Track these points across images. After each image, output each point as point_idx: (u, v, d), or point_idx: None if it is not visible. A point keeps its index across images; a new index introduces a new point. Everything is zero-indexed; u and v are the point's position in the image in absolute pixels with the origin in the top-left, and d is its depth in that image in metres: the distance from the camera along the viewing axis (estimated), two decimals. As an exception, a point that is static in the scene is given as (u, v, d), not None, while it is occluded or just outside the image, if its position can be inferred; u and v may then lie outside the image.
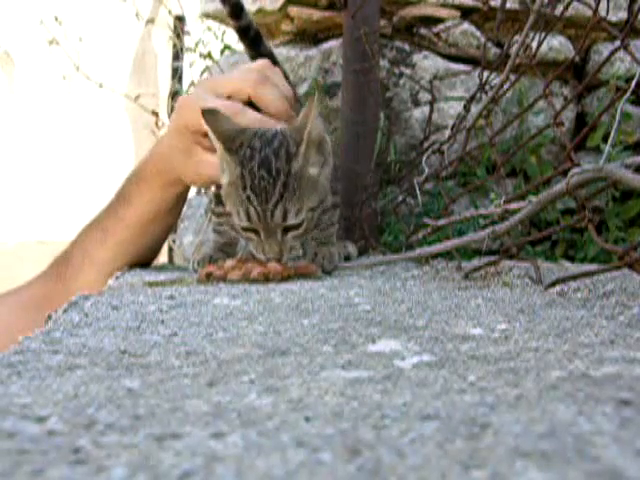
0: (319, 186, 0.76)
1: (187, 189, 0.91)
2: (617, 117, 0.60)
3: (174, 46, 2.91)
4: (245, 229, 0.76)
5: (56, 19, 2.16)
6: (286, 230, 0.74)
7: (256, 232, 0.75)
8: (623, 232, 1.41)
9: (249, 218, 0.74)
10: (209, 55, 2.13)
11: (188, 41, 2.42)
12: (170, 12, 2.39)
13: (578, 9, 1.51)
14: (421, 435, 0.25)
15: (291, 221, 0.73)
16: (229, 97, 0.81)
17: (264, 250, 0.75)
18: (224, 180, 0.77)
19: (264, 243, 0.75)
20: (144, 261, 0.94)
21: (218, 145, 0.76)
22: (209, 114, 0.76)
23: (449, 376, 0.33)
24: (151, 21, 2.70)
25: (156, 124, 2.24)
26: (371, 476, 0.21)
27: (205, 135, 0.79)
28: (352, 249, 1.08)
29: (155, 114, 2.20)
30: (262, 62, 0.87)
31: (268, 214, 0.73)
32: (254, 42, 1.00)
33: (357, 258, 1.09)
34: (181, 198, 0.91)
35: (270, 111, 0.81)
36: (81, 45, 2.21)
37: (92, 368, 0.35)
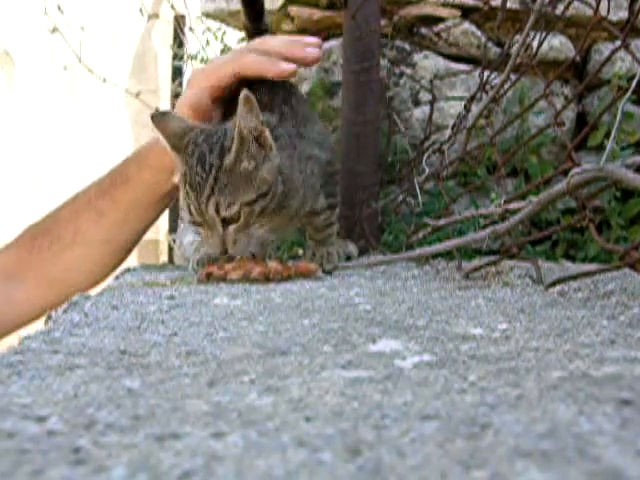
0: (257, 180, 0.76)
1: None
2: (618, 117, 0.60)
3: (175, 45, 2.91)
4: (194, 223, 0.78)
5: (59, 8, 2.15)
6: (225, 222, 0.75)
7: (202, 226, 0.77)
8: (624, 231, 1.41)
9: (191, 213, 0.76)
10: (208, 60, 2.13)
11: (190, 40, 2.41)
12: (173, 7, 2.38)
13: (579, 8, 1.51)
14: (421, 435, 0.25)
15: (223, 213, 0.74)
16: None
17: (208, 243, 0.77)
18: (176, 179, 0.79)
19: (207, 237, 0.77)
20: (131, 247, 0.94)
21: (166, 145, 0.78)
22: (157, 116, 0.79)
23: (449, 376, 0.33)
24: (155, 15, 2.69)
25: None
26: (371, 476, 0.21)
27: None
28: (353, 248, 1.08)
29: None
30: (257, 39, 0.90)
31: (203, 207, 0.74)
32: (258, 15, 1.02)
33: (357, 258, 1.09)
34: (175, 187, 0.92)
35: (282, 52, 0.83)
36: (81, 44, 2.20)
37: (92, 368, 0.35)
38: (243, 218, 0.75)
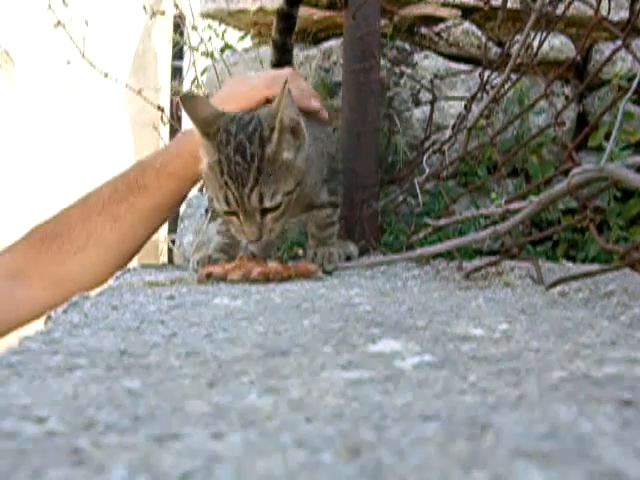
0: (294, 169, 0.77)
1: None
2: (619, 117, 0.60)
3: (176, 44, 2.90)
4: (227, 213, 0.78)
5: (63, 2, 2.14)
6: (264, 212, 0.76)
7: (237, 215, 0.77)
8: (625, 231, 1.41)
9: (228, 203, 0.76)
10: (210, 54, 2.12)
11: (191, 39, 2.41)
12: (176, 6, 2.38)
13: (579, 8, 1.51)
14: (422, 435, 0.25)
15: (267, 204, 0.75)
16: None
17: (245, 232, 0.77)
18: (203, 165, 0.79)
19: (243, 225, 0.77)
20: (140, 249, 0.96)
21: (196, 130, 0.78)
22: (187, 99, 0.79)
23: (450, 376, 0.33)
24: (161, 12, 2.69)
25: (161, 119, 2.23)
26: (372, 477, 0.21)
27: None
28: (353, 249, 1.08)
29: (161, 109, 2.18)
30: (288, 70, 0.95)
31: (245, 198, 0.74)
32: (289, 31, 1.04)
33: (357, 258, 1.09)
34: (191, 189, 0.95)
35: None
36: (81, 44, 2.20)
37: (92, 368, 0.35)
38: (283, 207, 0.77)
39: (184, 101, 0.78)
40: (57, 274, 0.89)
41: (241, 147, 0.75)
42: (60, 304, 0.89)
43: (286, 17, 1.06)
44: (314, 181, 0.85)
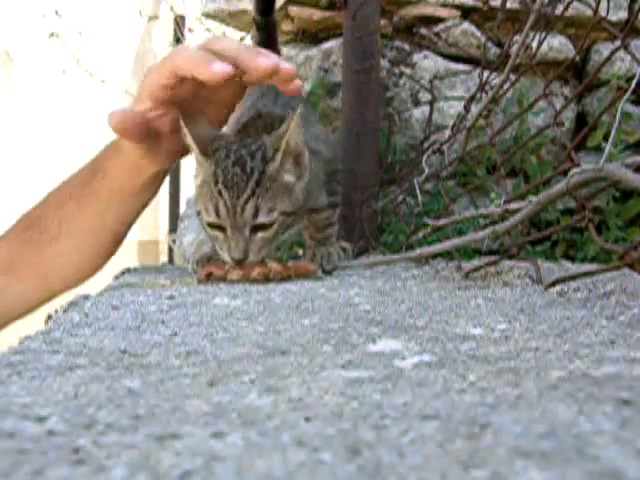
0: (294, 195, 0.75)
1: (165, 170, 0.85)
2: (617, 117, 0.60)
3: (175, 46, 2.90)
4: (211, 225, 0.73)
5: (56, 13, 2.15)
6: (255, 229, 0.72)
7: (223, 230, 0.73)
8: (623, 232, 1.41)
9: (218, 213, 0.72)
10: None
11: (189, 40, 2.42)
12: (172, 8, 2.38)
13: (578, 9, 1.51)
14: (421, 435, 0.25)
15: (261, 219, 0.72)
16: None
17: (229, 248, 0.72)
18: (197, 181, 0.76)
19: (230, 240, 0.72)
20: (120, 238, 0.89)
21: (194, 147, 0.75)
22: (188, 117, 0.74)
23: (449, 376, 0.33)
24: (155, 17, 2.70)
25: None
26: (371, 476, 0.21)
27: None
28: (346, 245, 1.07)
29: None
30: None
31: (238, 209, 0.71)
32: (269, 8, 1.02)
33: (357, 258, 1.09)
34: (159, 175, 0.84)
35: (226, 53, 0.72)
36: (81, 43, 2.20)
37: (92, 368, 0.35)
38: (276, 227, 0.73)
39: (184, 118, 0.74)
40: (42, 266, 0.85)
41: (241, 160, 0.73)
42: (48, 299, 0.86)
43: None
44: (314, 191, 0.83)
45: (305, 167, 0.77)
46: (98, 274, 0.89)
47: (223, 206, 0.72)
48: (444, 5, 1.65)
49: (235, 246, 0.72)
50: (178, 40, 2.58)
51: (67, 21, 2.20)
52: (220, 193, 0.72)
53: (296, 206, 0.76)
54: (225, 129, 0.86)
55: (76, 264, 0.86)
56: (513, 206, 0.75)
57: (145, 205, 0.88)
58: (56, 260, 0.85)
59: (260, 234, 0.73)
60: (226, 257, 0.74)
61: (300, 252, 1.35)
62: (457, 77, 1.64)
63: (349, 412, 0.28)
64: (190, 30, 2.27)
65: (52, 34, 2.10)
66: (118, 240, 0.88)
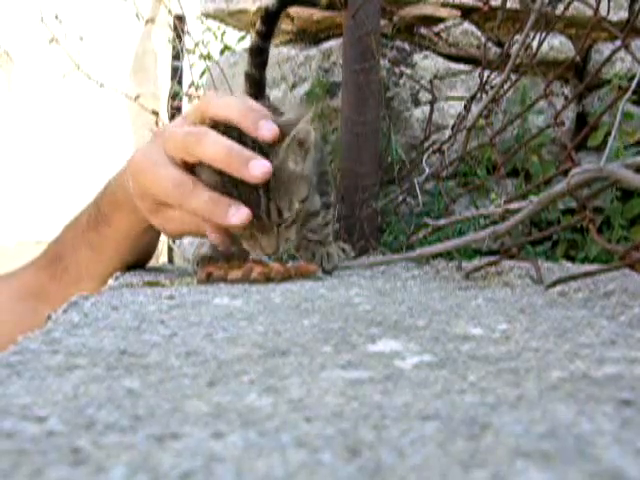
0: (303, 179, 0.76)
1: None
2: (618, 117, 0.60)
3: (174, 47, 2.91)
4: (243, 237, 0.76)
5: (56, 17, 2.16)
6: (279, 224, 0.75)
7: (250, 232, 0.75)
8: (625, 231, 1.41)
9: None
10: (209, 56, 2.13)
11: (188, 41, 2.42)
12: (170, 12, 2.39)
13: (579, 9, 1.51)
14: (421, 435, 0.25)
15: (286, 215, 0.74)
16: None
17: (262, 247, 0.75)
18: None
19: (261, 240, 0.75)
20: (145, 260, 0.94)
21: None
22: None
23: (449, 376, 0.33)
24: (151, 20, 2.70)
25: (156, 123, 2.24)
26: (371, 476, 0.21)
27: (165, 203, 0.74)
28: (345, 246, 1.07)
29: (155, 113, 2.19)
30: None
31: (264, 216, 0.73)
32: (263, 64, 1.04)
33: (357, 258, 1.09)
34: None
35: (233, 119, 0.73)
36: (81, 44, 2.21)
37: (92, 368, 0.35)
38: (297, 216, 0.75)
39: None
40: (67, 299, 0.87)
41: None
42: None
43: (260, 51, 1.05)
44: (309, 196, 0.83)
45: (310, 141, 0.76)
46: None
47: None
48: (444, 5, 1.65)
49: (267, 244, 0.75)
50: (179, 39, 2.58)
51: (66, 25, 2.20)
52: (242, 198, 0.72)
53: (308, 185, 0.77)
54: None
55: None
56: (513, 206, 0.75)
57: (156, 239, 0.91)
58: None
59: (284, 225, 0.76)
60: (258, 254, 0.77)
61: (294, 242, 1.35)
62: (457, 77, 1.64)
63: (349, 412, 0.28)
64: (188, 33, 2.28)
65: (52, 39, 2.10)
66: (143, 261, 0.91)
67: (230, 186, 0.72)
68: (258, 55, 1.06)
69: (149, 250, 0.93)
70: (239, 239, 0.78)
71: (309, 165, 0.77)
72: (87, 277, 0.85)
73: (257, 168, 0.69)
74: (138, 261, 0.91)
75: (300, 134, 0.74)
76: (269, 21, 1.06)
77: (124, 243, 0.85)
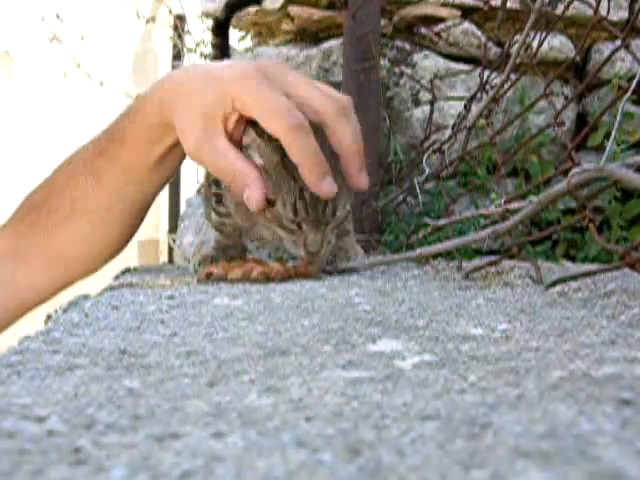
0: (346, 183, 0.75)
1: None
2: (618, 117, 0.60)
3: (174, 46, 2.90)
4: (289, 220, 0.73)
5: (57, 17, 2.15)
6: (327, 223, 0.74)
7: (299, 225, 0.73)
8: (625, 231, 1.41)
9: (296, 212, 0.72)
10: (207, 56, 2.13)
11: (189, 41, 2.42)
12: (171, 11, 2.39)
13: (579, 8, 1.51)
14: (421, 435, 0.25)
15: (339, 214, 0.74)
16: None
17: (306, 243, 0.74)
18: (257, 162, 0.71)
19: (307, 234, 0.73)
20: (135, 222, 0.83)
21: (251, 129, 0.70)
22: None
23: (450, 376, 0.33)
24: (152, 20, 2.70)
25: None
26: (371, 476, 0.21)
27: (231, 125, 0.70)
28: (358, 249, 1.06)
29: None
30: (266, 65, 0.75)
31: (320, 210, 0.72)
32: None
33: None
34: (179, 150, 0.76)
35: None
36: (81, 44, 2.21)
37: (92, 368, 0.35)
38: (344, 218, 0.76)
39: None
40: (50, 251, 0.78)
41: None
42: (61, 287, 0.80)
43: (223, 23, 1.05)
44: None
45: None
46: (97, 274, 0.86)
47: (302, 206, 0.71)
48: (444, 5, 1.65)
49: (313, 240, 0.73)
50: (180, 39, 2.58)
51: (67, 22, 2.20)
52: (302, 191, 0.71)
53: (351, 193, 0.77)
54: None
55: (90, 247, 0.79)
56: (514, 206, 0.74)
57: (164, 182, 0.81)
58: (67, 243, 0.78)
59: (330, 226, 0.75)
60: (299, 251, 0.75)
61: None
62: (458, 77, 1.64)
63: (349, 412, 0.28)
64: (188, 32, 2.27)
65: (53, 38, 2.10)
66: (134, 224, 0.82)
67: (290, 168, 0.69)
68: (220, 28, 1.04)
69: (148, 204, 0.83)
70: (275, 231, 0.75)
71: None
72: (79, 213, 0.77)
73: (328, 186, 0.68)
74: (137, 212, 0.82)
75: None
76: (222, 32, 1.05)
77: (135, 168, 0.77)
